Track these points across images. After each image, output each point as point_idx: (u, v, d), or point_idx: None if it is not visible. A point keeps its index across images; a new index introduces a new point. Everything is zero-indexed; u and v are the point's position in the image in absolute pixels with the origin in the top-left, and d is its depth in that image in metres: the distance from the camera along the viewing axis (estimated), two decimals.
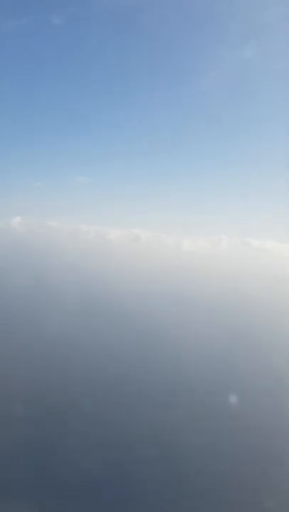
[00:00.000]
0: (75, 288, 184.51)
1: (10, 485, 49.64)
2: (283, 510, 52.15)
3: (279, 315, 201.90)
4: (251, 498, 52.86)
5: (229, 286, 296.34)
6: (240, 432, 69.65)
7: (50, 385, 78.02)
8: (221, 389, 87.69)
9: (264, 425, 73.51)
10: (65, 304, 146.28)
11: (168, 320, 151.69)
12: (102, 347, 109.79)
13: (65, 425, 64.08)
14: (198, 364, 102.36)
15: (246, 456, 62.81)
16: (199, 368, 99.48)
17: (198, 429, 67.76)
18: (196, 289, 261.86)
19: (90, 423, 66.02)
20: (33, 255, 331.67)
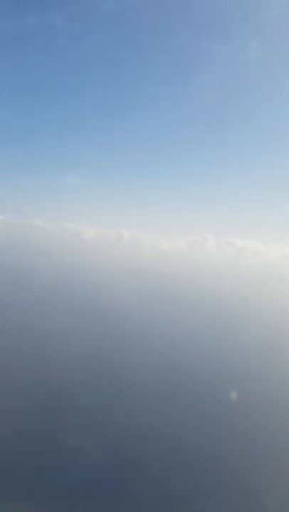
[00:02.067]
0: (50, 286, 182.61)
1: (10, 479, 49.06)
2: (282, 507, 51.26)
3: (255, 312, 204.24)
4: (250, 495, 52.24)
5: (209, 284, 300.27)
6: (239, 427, 69.67)
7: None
8: (219, 382, 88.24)
9: (263, 419, 73.66)
10: (38, 301, 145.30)
11: (157, 316, 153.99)
12: (98, 342, 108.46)
13: (63, 417, 64.15)
14: (195, 358, 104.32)
15: (245, 451, 62.35)
16: (196, 363, 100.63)
17: (197, 423, 68.07)
18: (173, 287, 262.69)
19: (88, 416, 65.66)
20: (8, 253, 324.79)
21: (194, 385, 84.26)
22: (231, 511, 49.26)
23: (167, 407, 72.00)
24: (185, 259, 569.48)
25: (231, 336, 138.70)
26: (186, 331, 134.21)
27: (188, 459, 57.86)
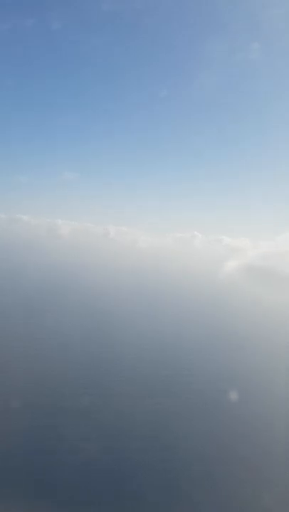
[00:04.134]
0: (34, 282, 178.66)
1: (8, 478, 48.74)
2: (282, 507, 51.09)
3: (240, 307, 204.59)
4: (250, 493, 52.05)
5: (196, 280, 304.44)
6: (237, 422, 69.72)
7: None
8: (218, 379, 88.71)
9: (263, 416, 73.84)
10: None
11: (151, 312, 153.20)
12: (95, 340, 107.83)
13: (62, 416, 63.82)
14: (193, 356, 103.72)
15: (244, 450, 62.11)
16: (195, 361, 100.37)
17: (197, 422, 67.76)
18: (161, 283, 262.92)
19: (87, 415, 65.38)
20: None
21: (193, 383, 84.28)
22: (230, 509, 49.17)
23: (167, 406, 72.05)
24: (170, 255, 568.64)
25: (224, 332, 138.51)
26: (182, 327, 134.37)
27: (189, 458, 57.65)
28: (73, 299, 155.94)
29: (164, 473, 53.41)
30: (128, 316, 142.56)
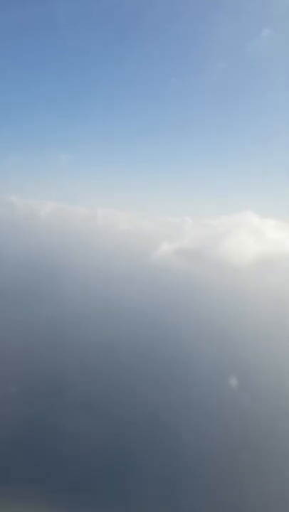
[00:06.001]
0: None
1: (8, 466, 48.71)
2: (283, 495, 51.85)
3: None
4: (249, 492, 51.92)
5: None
6: (238, 412, 70.29)
7: None
8: (216, 368, 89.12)
9: (262, 406, 74.12)
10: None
11: (146, 301, 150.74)
12: (96, 329, 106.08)
13: (63, 404, 63.72)
14: (193, 347, 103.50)
15: (245, 438, 63.08)
16: (195, 352, 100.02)
17: (196, 412, 68.07)
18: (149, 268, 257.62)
19: (88, 404, 65.17)
20: None
21: (193, 374, 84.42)
22: (230, 508, 49.22)
23: (167, 396, 72.10)
24: (154, 239, 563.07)
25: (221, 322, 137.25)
26: (180, 317, 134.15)
27: (188, 449, 57.82)
28: (53, 283, 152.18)
29: (163, 472, 53.02)
30: (125, 305, 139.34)
